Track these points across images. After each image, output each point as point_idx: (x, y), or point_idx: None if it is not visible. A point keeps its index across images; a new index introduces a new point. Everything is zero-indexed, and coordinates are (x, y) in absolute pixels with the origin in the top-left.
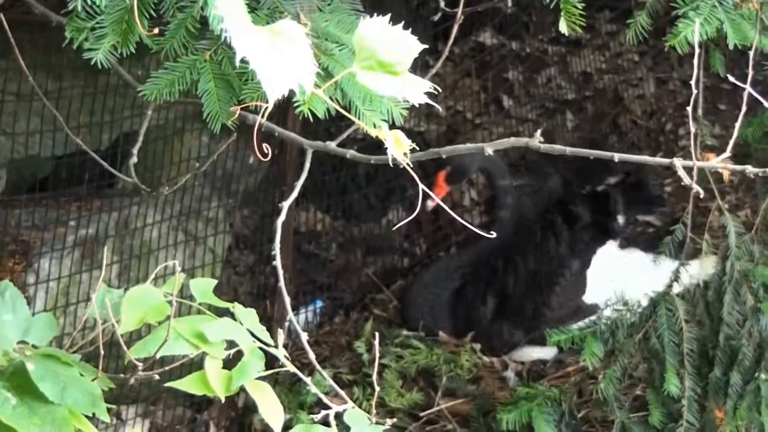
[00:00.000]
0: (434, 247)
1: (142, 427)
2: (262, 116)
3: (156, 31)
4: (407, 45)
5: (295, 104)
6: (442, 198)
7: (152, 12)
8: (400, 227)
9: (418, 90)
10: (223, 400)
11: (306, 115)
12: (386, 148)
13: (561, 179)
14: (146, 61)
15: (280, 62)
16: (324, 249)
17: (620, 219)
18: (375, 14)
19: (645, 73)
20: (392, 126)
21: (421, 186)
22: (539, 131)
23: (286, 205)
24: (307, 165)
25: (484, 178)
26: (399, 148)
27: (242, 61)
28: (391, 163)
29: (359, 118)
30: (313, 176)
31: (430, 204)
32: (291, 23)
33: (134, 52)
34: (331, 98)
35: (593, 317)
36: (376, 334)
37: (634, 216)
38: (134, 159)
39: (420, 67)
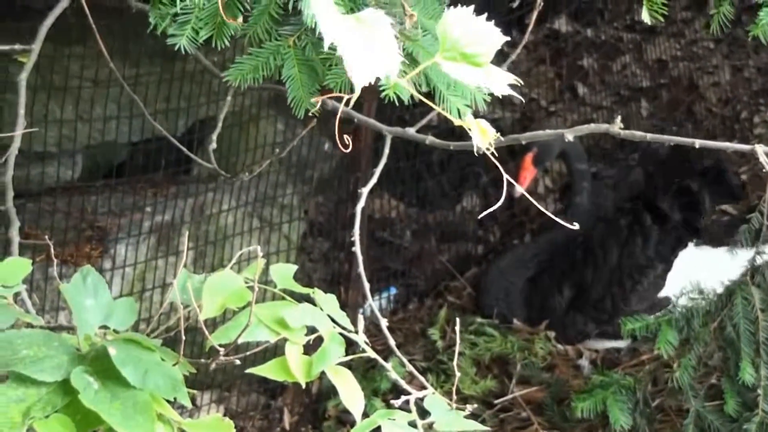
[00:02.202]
0: (508, 235)
1: (217, 413)
2: (345, 104)
3: (240, 19)
4: (490, 37)
5: (381, 88)
6: (524, 180)
7: (243, 5)
8: (473, 214)
9: (501, 82)
10: (303, 386)
11: (391, 100)
12: (463, 135)
13: (644, 172)
14: (221, 47)
15: (366, 51)
16: (398, 236)
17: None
18: (451, 0)
19: (720, 60)
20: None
21: (506, 176)
22: (619, 118)
23: (365, 191)
24: (386, 151)
25: (562, 161)
26: (484, 137)
27: (329, 48)
28: (476, 152)
29: (443, 104)
30: (387, 163)
31: (517, 191)
32: (377, 11)
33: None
34: (415, 84)
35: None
36: (457, 320)
37: (714, 207)
38: (213, 145)
39: (494, 54)
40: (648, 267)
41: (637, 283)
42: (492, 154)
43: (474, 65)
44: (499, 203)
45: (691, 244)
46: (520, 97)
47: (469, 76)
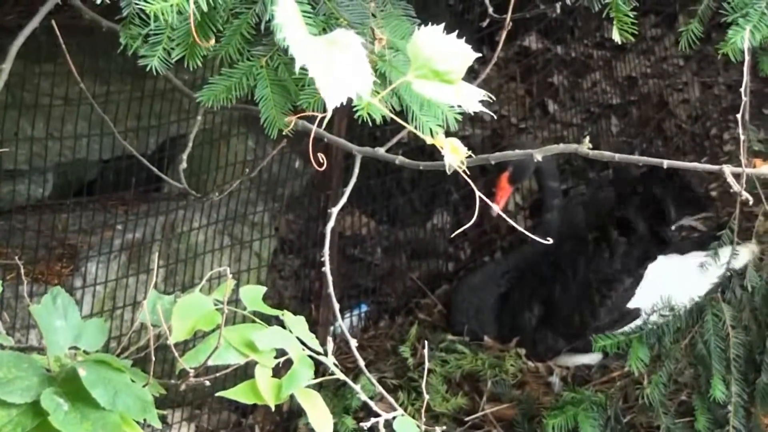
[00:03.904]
0: (479, 252)
1: (188, 431)
2: (318, 124)
3: (212, 41)
4: (462, 54)
5: (354, 108)
6: (500, 199)
7: (212, 24)
8: (444, 231)
9: (472, 98)
10: (273, 408)
11: (365, 120)
12: (433, 153)
13: (615, 192)
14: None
15: (338, 71)
16: (369, 253)
17: (673, 226)
18: (421, 19)
19: (690, 77)
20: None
21: (478, 193)
22: (587, 138)
23: (335, 210)
24: (356, 170)
25: (534, 178)
26: (456, 156)
27: (301, 68)
28: (447, 170)
29: (415, 124)
30: (357, 180)
31: (493, 211)
32: (348, 32)
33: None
34: (387, 104)
35: (637, 321)
36: (426, 341)
37: (681, 218)
38: (184, 164)
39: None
40: (615, 281)
41: (605, 297)
42: (464, 172)
43: (446, 82)
44: (471, 222)
45: (660, 256)
46: (491, 114)
47: (440, 94)
